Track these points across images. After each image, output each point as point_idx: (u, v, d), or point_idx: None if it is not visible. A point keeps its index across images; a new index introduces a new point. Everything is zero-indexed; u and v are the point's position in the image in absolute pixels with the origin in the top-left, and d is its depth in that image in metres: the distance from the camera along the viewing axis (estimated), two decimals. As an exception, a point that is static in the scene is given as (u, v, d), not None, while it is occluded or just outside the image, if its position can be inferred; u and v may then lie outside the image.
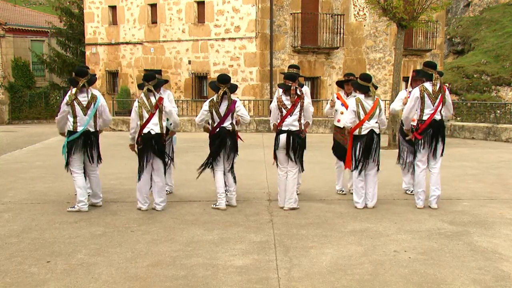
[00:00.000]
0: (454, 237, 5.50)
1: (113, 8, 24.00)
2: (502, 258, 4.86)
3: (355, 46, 21.15)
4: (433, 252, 5.01)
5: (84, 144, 6.52)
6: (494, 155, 11.60)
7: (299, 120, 6.56)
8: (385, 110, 7.95)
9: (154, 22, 22.54)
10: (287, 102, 6.53)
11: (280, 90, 6.73)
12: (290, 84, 6.49)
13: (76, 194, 6.67)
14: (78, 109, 6.44)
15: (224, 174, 6.80)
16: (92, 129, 6.58)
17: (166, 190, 7.35)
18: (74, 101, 6.43)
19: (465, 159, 11.08)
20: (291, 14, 19.57)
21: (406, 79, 22.55)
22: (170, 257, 4.88)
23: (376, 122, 6.72)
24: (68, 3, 29.27)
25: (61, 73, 28.13)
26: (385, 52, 21.80)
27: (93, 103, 6.50)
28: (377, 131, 6.73)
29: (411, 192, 7.55)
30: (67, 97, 6.49)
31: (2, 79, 29.65)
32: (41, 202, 7.12)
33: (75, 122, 6.47)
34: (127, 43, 23.62)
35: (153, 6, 22.43)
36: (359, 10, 20.99)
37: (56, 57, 27.84)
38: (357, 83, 6.76)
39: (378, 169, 6.81)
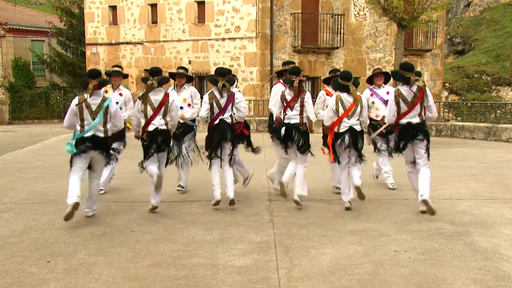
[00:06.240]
0: (454, 237, 5.50)
1: (113, 8, 23.99)
2: (502, 258, 4.86)
3: (355, 46, 21.15)
4: (434, 252, 5.01)
5: (90, 149, 5.99)
6: (495, 155, 11.59)
7: (300, 114, 6.63)
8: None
9: (154, 22, 22.54)
10: (288, 96, 6.66)
11: (280, 84, 7.09)
12: (293, 79, 6.57)
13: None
14: (86, 112, 5.97)
15: (222, 167, 6.76)
16: (101, 135, 6.03)
17: (181, 186, 7.63)
18: (83, 104, 5.97)
19: (465, 159, 11.07)
20: (291, 14, 19.57)
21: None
22: (171, 257, 4.88)
23: (357, 120, 6.62)
24: (68, 3, 29.29)
25: (62, 73, 28.16)
26: (385, 52, 21.79)
27: (103, 107, 6.00)
28: (357, 128, 6.61)
29: (376, 176, 8.12)
30: (76, 99, 6.09)
31: (2, 79, 29.65)
32: (41, 202, 7.12)
33: (82, 126, 6.00)
34: (127, 43, 23.62)
35: (153, 6, 22.43)
36: (360, 10, 20.98)
37: (56, 57, 27.85)
38: (337, 82, 6.72)
39: (360, 162, 6.68)
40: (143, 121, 6.46)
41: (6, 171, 9.68)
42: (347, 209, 6.63)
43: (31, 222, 6.09)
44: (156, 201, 6.51)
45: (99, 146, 6.01)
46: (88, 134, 5.98)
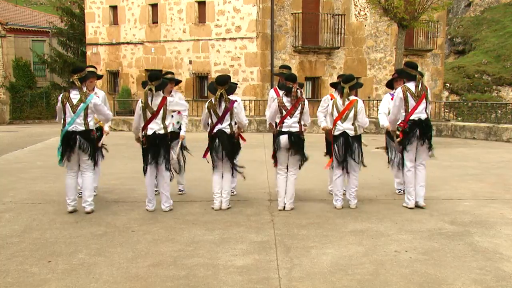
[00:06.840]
0: (455, 237, 5.50)
1: (114, 8, 24.00)
2: (503, 258, 4.86)
3: (356, 46, 21.14)
4: (434, 252, 5.01)
5: (73, 143, 6.30)
6: (495, 155, 11.60)
7: (299, 122, 6.59)
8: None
9: (155, 22, 22.54)
10: (288, 104, 6.56)
11: (273, 91, 7.23)
12: (291, 86, 6.52)
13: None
14: (68, 107, 6.34)
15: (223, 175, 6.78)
16: (81, 128, 6.32)
17: (180, 190, 7.58)
18: (66, 99, 6.36)
19: (466, 159, 11.07)
20: (292, 14, 19.57)
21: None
22: (171, 257, 4.89)
23: (352, 124, 6.61)
24: (69, 3, 29.29)
25: (62, 73, 28.14)
26: (386, 52, 21.79)
27: (83, 101, 6.34)
28: (350, 133, 6.60)
29: (400, 192, 7.65)
30: (60, 96, 6.50)
31: (3, 79, 29.65)
32: (42, 202, 7.13)
33: (64, 120, 6.37)
34: (128, 43, 23.62)
35: (154, 6, 22.42)
36: (360, 10, 20.98)
37: (57, 57, 27.86)
38: (337, 84, 6.83)
39: (358, 169, 6.76)
40: (142, 125, 6.52)
41: (7, 171, 9.69)
42: (336, 208, 6.73)
43: (31, 222, 6.10)
44: (169, 204, 6.65)
45: (79, 139, 6.30)
46: (70, 128, 6.31)
